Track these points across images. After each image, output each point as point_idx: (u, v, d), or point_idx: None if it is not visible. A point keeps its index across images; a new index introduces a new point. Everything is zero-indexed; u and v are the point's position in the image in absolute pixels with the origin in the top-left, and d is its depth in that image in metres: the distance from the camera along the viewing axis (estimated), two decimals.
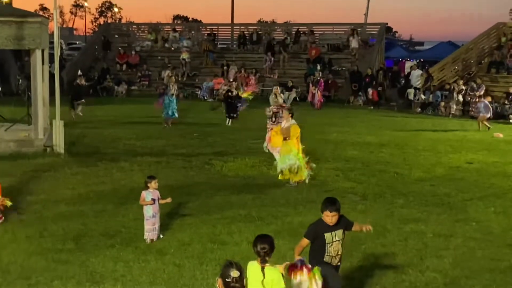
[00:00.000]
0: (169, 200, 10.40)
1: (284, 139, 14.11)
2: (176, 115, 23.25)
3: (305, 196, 13.10)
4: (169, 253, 9.43)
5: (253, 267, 6.19)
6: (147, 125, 23.54)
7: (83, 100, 26.15)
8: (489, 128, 23.88)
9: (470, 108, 28.77)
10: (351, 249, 9.71)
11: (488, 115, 24.24)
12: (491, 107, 24.40)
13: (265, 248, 6.21)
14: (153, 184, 10.10)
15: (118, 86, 37.19)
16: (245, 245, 9.77)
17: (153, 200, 10.03)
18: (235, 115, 24.57)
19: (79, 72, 29.56)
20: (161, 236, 10.14)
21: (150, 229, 10.01)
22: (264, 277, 6.03)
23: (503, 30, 36.37)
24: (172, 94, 23.19)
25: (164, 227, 10.60)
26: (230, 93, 25.10)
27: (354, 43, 37.43)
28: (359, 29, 40.97)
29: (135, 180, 14.24)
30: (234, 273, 5.57)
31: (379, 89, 33.43)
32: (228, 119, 24.46)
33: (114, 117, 25.91)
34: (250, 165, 16.25)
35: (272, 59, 38.26)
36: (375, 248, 9.85)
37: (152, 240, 9.97)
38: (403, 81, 34.57)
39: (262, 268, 6.09)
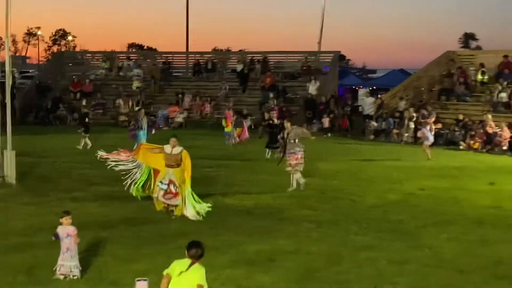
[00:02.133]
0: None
1: (171, 166, 13.77)
2: None
3: (261, 224, 13.09)
4: (123, 284, 9.30)
5: (181, 262, 7.02)
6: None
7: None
8: (428, 158, 23.52)
9: None
10: (305, 277, 9.77)
11: (429, 143, 24.34)
12: (428, 135, 24.50)
13: (198, 252, 7.05)
14: (65, 220, 9.62)
15: (72, 114, 36.83)
16: None
17: (55, 235, 9.61)
18: (275, 145, 22.40)
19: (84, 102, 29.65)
20: (75, 277, 9.50)
21: (59, 265, 9.54)
22: (186, 270, 6.82)
23: (452, 58, 37.16)
24: (144, 128, 22.85)
25: (118, 258, 10.51)
26: (271, 122, 24.15)
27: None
28: (312, 57, 41.42)
29: (89, 210, 14.11)
30: None
31: (331, 116, 33.76)
32: (267, 151, 22.81)
33: (68, 146, 25.57)
34: (206, 193, 16.19)
35: (227, 87, 38.39)
36: (329, 276, 9.87)
37: (63, 275, 9.48)
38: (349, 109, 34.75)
39: (192, 263, 6.89)
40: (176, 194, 13.60)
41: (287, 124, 17.27)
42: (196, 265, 6.97)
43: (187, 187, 13.76)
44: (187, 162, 13.83)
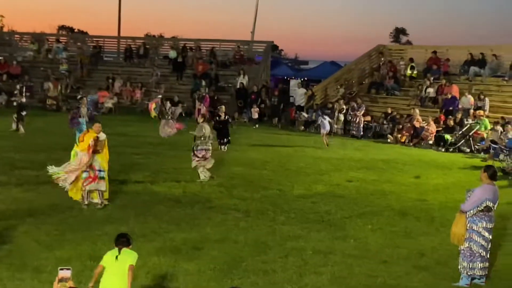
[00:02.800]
0: None
1: (97, 152, 13.46)
2: None
3: (189, 213, 13.10)
4: (46, 271, 9.16)
5: (109, 253, 7.27)
6: (27, 137, 22.85)
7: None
8: (327, 145, 24.66)
9: (351, 127, 29.59)
10: (231, 266, 9.80)
11: (325, 131, 25.16)
12: (325, 123, 25.32)
13: (124, 239, 7.36)
14: None
15: None
16: None
17: None
18: (226, 140, 22.32)
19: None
20: None
21: None
22: (119, 254, 7.13)
23: (382, 51, 37.73)
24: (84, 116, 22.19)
25: (42, 244, 10.34)
26: (218, 118, 22.40)
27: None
28: (245, 46, 41.43)
29: (13, 195, 13.85)
30: None
31: (261, 106, 33.86)
32: (220, 146, 22.01)
33: None
34: (134, 180, 16.07)
35: (159, 73, 38.05)
36: (255, 265, 9.94)
37: None
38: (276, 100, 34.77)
39: (119, 249, 7.18)
40: (94, 178, 13.32)
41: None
42: (126, 249, 7.26)
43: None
44: (106, 149, 13.67)
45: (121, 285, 7.08)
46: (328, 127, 25.67)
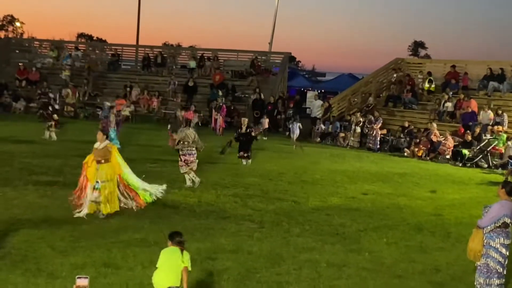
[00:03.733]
0: None
1: (99, 162, 13.18)
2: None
3: (203, 222, 13.06)
4: (61, 277, 9.18)
5: (170, 250, 7.80)
6: (45, 143, 22.98)
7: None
8: (301, 147, 25.19)
9: (367, 140, 29.52)
10: (245, 277, 9.76)
11: (295, 136, 25.89)
12: (295, 128, 26.37)
13: (182, 238, 7.93)
14: None
15: (16, 102, 36.20)
16: (140, 269, 9.67)
17: None
18: (246, 154, 21.54)
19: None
20: None
21: None
22: (182, 255, 7.70)
23: (401, 65, 37.67)
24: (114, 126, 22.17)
25: (57, 249, 10.36)
26: (239, 130, 21.87)
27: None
28: (263, 57, 41.49)
29: (29, 199, 13.91)
30: None
31: (278, 117, 33.88)
32: (242, 160, 21.51)
33: (10, 134, 25.08)
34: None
35: (176, 82, 38.17)
36: (269, 276, 9.88)
37: None
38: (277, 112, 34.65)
39: (181, 250, 7.75)
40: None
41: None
42: (185, 251, 7.81)
43: (115, 185, 13.30)
44: (114, 158, 13.32)
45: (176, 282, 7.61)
46: (297, 132, 27.07)
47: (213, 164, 20.48)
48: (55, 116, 25.32)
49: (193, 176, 16.98)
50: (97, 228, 12.03)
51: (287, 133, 30.90)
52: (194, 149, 17.11)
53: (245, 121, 22.24)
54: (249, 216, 13.90)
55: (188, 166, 16.91)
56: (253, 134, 21.67)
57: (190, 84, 32.11)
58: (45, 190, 15.00)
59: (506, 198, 9.33)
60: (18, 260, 9.77)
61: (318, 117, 33.72)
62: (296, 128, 26.63)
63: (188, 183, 16.85)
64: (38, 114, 26.31)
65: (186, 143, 16.93)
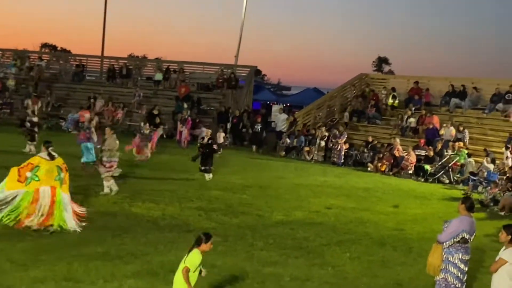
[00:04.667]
0: None
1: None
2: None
3: (167, 236, 13.00)
4: None
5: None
6: (8, 154, 22.66)
7: None
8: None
9: (332, 154, 29.67)
10: None
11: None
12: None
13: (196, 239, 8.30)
14: None
15: None
16: (101, 283, 9.60)
17: None
18: (209, 167, 20.76)
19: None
20: None
21: None
22: (186, 256, 8.17)
23: (366, 81, 38.04)
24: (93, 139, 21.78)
25: (16, 263, 10.23)
26: (201, 140, 21.50)
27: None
28: (229, 70, 41.55)
29: None
30: None
31: (243, 130, 33.98)
32: (204, 174, 20.69)
33: None
34: (112, 201, 15.98)
35: (141, 94, 38.05)
36: None
37: None
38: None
39: (189, 250, 8.21)
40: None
41: (107, 130, 17.75)
42: (194, 250, 8.29)
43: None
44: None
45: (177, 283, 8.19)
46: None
47: (177, 176, 20.42)
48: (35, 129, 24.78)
49: (112, 184, 16.94)
50: (58, 241, 11.91)
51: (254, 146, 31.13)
52: (117, 157, 17.25)
53: (208, 132, 21.69)
54: (213, 230, 13.82)
55: (110, 172, 16.93)
56: (214, 147, 21.28)
57: (155, 112, 31.84)
58: None
59: (466, 213, 9.46)
60: None
61: (283, 131, 33.84)
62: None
63: (106, 190, 16.80)
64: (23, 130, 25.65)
65: (110, 151, 17.11)
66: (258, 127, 33.51)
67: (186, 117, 32.81)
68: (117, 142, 17.28)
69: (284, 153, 31.44)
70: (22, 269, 10.05)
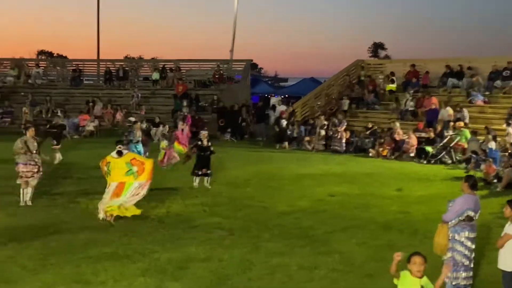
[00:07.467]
0: None
1: None
2: None
3: (172, 233, 13.04)
4: None
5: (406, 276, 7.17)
6: (9, 163, 22.64)
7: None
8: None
9: (333, 143, 29.68)
10: (217, 285, 9.79)
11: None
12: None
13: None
14: None
15: None
16: (111, 283, 9.64)
17: None
18: (208, 171, 18.96)
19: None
20: None
21: None
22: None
23: (361, 66, 38.04)
24: (138, 141, 21.65)
25: (26, 268, 10.28)
26: (200, 143, 19.14)
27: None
28: (225, 65, 41.60)
29: None
30: None
31: (243, 124, 34.04)
32: (195, 178, 18.94)
33: None
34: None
35: (140, 94, 38.11)
36: (241, 283, 9.92)
37: None
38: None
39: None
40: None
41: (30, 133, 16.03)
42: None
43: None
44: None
45: None
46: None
47: (179, 174, 20.42)
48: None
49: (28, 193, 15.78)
50: (66, 244, 11.94)
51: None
52: (37, 160, 15.91)
53: (205, 134, 19.42)
54: (218, 224, 13.92)
55: (29, 178, 15.69)
56: (212, 149, 19.25)
57: (156, 121, 31.81)
58: (9, 209, 14.87)
59: (469, 192, 9.48)
60: None
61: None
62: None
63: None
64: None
65: (27, 152, 15.69)
66: (284, 122, 32.93)
67: (186, 114, 32.82)
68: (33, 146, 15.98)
69: (286, 144, 31.27)
70: (32, 274, 10.10)
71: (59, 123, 26.50)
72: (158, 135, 30.99)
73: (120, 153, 14.35)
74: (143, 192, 14.39)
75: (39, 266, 10.53)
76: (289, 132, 32.04)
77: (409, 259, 7.17)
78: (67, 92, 40.71)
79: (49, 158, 19.26)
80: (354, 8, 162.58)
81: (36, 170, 15.73)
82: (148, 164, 14.52)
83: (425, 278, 7.06)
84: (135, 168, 14.21)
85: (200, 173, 18.77)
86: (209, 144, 19.15)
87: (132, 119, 27.46)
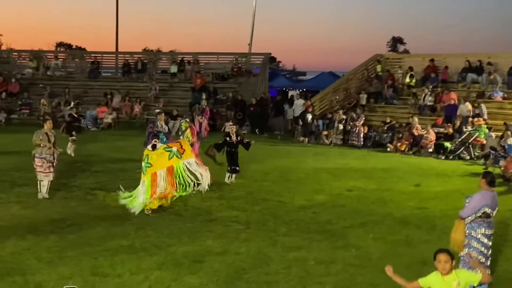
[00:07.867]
0: None
1: None
2: None
3: (189, 226, 13.06)
4: (48, 287, 9.16)
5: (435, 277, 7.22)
6: (27, 155, 22.77)
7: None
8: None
9: (350, 137, 29.62)
10: (234, 278, 9.79)
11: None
12: None
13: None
14: None
15: None
16: (128, 276, 9.66)
17: None
18: (237, 168, 18.71)
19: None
20: None
21: None
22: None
23: (378, 60, 37.84)
24: (162, 132, 21.66)
25: (43, 260, 10.34)
26: (228, 139, 18.71)
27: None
28: (243, 59, 41.57)
29: (13, 212, 13.83)
30: None
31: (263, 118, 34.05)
32: (230, 175, 18.63)
33: None
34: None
35: (158, 87, 38.19)
36: (258, 277, 9.92)
37: None
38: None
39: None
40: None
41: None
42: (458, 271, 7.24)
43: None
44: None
45: None
46: None
47: None
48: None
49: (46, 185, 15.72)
50: (83, 237, 11.99)
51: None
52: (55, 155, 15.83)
53: (233, 129, 19.16)
54: (235, 218, 13.93)
55: (46, 174, 15.58)
56: (245, 141, 19.17)
57: (174, 114, 31.79)
58: (28, 201, 14.93)
59: (487, 188, 9.43)
60: (4, 273, 9.71)
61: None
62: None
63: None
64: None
65: (43, 145, 15.63)
66: (309, 116, 32.91)
67: (204, 107, 32.83)
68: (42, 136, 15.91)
69: (304, 138, 31.21)
70: (49, 266, 10.14)
71: (72, 115, 26.55)
72: (176, 128, 31.00)
73: (154, 147, 14.54)
74: (207, 173, 14.78)
75: (56, 258, 10.57)
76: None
77: (435, 257, 7.10)
78: (86, 84, 40.83)
79: (62, 150, 19.44)
80: (374, 2, 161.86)
81: (51, 168, 15.58)
82: (183, 143, 14.88)
83: (454, 273, 7.11)
84: (174, 149, 14.40)
85: (232, 168, 18.59)
86: (239, 138, 18.88)
87: (157, 110, 27.42)
